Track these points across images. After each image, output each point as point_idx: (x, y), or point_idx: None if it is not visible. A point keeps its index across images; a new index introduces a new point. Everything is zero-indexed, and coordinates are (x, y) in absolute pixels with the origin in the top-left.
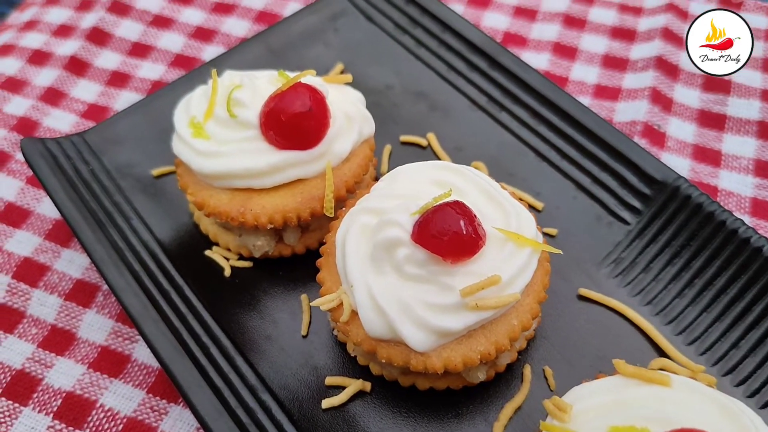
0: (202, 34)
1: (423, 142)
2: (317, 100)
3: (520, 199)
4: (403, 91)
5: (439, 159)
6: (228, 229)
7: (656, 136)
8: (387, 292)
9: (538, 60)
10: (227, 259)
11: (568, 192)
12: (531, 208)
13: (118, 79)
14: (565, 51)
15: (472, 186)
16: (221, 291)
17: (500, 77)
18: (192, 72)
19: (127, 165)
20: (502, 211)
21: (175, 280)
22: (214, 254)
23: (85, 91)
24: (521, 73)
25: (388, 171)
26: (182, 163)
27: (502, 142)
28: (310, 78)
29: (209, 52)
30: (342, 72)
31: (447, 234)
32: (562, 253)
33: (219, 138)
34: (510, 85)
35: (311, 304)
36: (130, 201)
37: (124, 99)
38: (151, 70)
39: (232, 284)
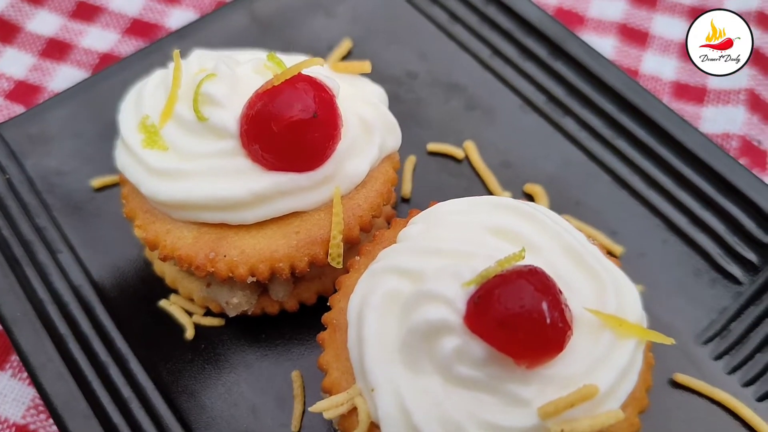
0: None
1: (458, 153)
2: (325, 101)
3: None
4: (431, 82)
5: (479, 177)
6: (192, 273)
7: (756, 155)
8: (426, 403)
9: (602, 45)
10: (190, 314)
11: (656, 233)
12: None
13: (55, 49)
14: (634, 35)
15: (549, 238)
16: (180, 361)
17: (565, 70)
18: (152, 45)
19: (57, 173)
20: (595, 280)
21: (116, 346)
22: (171, 306)
23: (12, 63)
24: (595, 66)
25: (411, 192)
26: (129, 182)
27: (566, 158)
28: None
29: (176, 17)
30: (350, 52)
31: (521, 323)
32: (675, 343)
33: (181, 150)
34: (578, 82)
35: (310, 409)
36: (59, 225)
37: (62, 76)
38: (99, 39)
39: (196, 350)
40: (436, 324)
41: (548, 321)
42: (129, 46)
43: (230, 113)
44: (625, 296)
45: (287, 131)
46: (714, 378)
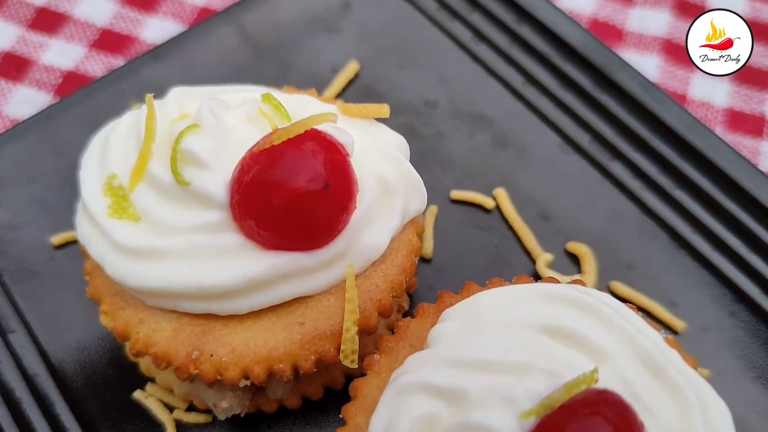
0: (141, 0)
1: (487, 202)
2: (337, 165)
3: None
4: (452, 113)
5: (513, 232)
6: None
7: None
8: None
9: (644, 65)
10: (170, 409)
11: (722, 304)
12: (664, 326)
13: (11, 66)
14: (681, 53)
15: (620, 341)
16: None
17: (614, 104)
18: (125, 67)
19: (9, 226)
20: (678, 399)
21: None
22: (147, 399)
23: None
24: (650, 100)
25: (433, 251)
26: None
27: (616, 211)
28: (317, 107)
29: (152, 28)
30: (357, 76)
31: None
32: None
33: (156, 221)
34: (630, 119)
35: None
36: (11, 295)
37: (19, 98)
38: (62, 53)
39: None
40: None
41: None
42: (97, 62)
43: (218, 176)
44: (715, 422)
45: (291, 206)
46: None
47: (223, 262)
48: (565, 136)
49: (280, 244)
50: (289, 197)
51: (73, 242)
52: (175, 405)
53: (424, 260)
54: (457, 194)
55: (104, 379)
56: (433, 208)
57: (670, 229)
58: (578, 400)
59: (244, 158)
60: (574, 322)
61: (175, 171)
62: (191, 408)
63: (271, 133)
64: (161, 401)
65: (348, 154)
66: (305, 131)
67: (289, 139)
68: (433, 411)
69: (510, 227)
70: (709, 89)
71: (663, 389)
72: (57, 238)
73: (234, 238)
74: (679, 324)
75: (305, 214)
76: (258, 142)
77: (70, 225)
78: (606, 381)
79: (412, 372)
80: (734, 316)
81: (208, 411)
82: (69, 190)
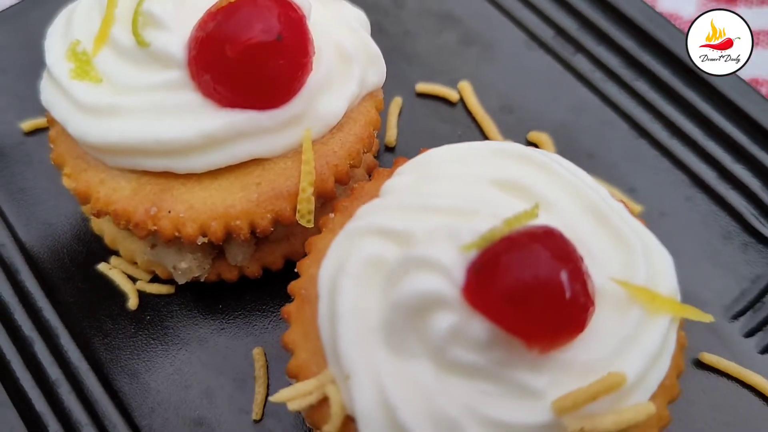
0: None
1: (452, 95)
2: (292, 21)
3: None
4: (420, 12)
5: (476, 123)
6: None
7: None
8: (414, 394)
9: None
10: (133, 280)
11: (680, 189)
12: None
13: None
14: None
15: (566, 193)
16: (121, 335)
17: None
18: None
19: None
20: (621, 245)
21: (43, 317)
22: (111, 270)
23: None
24: None
25: (396, 140)
26: (57, 123)
27: (578, 102)
28: None
29: None
30: None
31: (535, 298)
32: (713, 320)
33: (117, 82)
34: (592, 13)
35: (271, 399)
36: None
37: None
38: None
39: (140, 323)
40: (428, 297)
41: (568, 295)
42: None
43: (177, 37)
44: (656, 264)
45: (245, 57)
46: (745, 358)
47: (181, 118)
48: (529, 32)
49: (236, 101)
50: (242, 48)
51: (42, 129)
52: (138, 276)
53: (388, 149)
54: (422, 87)
55: (69, 252)
56: (398, 100)
57: (629, 119)
58: (518, 233)
59: (202, 17)
60: (522, 175)
61: (136, 32)
62: (154, 279)
63: None
64: (125, 273)
65: (304, 15)
66: None
67: None
68: (380, 251)
69: (473, 119)
70: (677, 1)
71: (607, 236)
72: (26, 125)
73: (192, 96)
74: (636, 208)
75: (260, 66)
76: (216, 3)
77: (39, 112)
78: (550, 224)
79: (362, 218)
80: (691, 201)
81: (170, 282)
82: (38, 81)
